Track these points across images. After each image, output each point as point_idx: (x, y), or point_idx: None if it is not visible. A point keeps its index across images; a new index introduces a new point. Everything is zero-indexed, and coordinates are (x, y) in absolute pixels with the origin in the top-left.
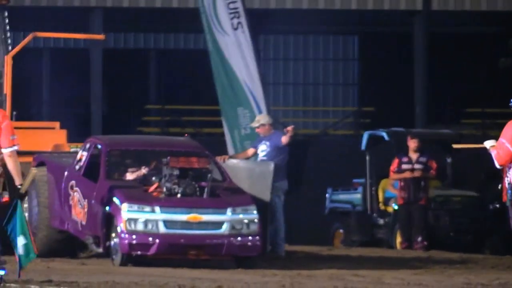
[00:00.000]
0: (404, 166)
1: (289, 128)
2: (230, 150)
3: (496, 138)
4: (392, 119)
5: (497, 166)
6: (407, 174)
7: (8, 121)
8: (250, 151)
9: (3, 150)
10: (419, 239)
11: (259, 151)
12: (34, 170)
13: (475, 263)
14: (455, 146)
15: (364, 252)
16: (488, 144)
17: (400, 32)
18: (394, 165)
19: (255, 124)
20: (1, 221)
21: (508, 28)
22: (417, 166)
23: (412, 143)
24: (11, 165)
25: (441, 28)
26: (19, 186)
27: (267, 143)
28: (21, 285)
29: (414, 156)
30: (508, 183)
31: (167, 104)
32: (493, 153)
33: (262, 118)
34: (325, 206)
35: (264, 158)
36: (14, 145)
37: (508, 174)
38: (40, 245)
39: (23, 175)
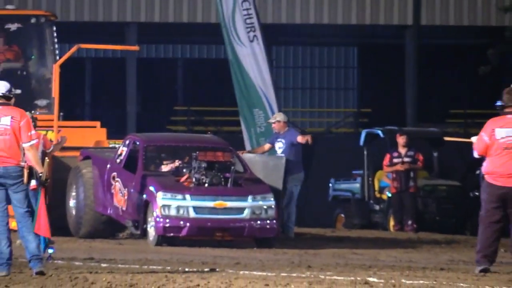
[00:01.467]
0: (395, 160)
1: (309, 139)
2: (247, 146)
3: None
4: (386, 119)
5: (475, 155)
6: (398, 167)
7: (27, 119)
8: (267, 146)
9: (24, 145)
10: (410, 222)
11: (276, 148)
12: (46, 159)
13: (458, 243)
14: (447, 138)
15: (362, 234)
16: (474, 139)
17: (394, 43)
18: (386, 160)
19: (272, 120)
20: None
21: (487, 40)
22: (406, 159)
23: (401, 139)
24: (31, 157)
25: (429, 40)
26: (40, 174)
27: (283, 140)
28: (67, 262)
29: (403, 150)
30: (480, 174)
31: (192, 106)
32: (474, 144)
33: (278, 116)
34: (328, 194)
35: (282, 154)
36: (31, 140)
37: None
38: (85, 227)
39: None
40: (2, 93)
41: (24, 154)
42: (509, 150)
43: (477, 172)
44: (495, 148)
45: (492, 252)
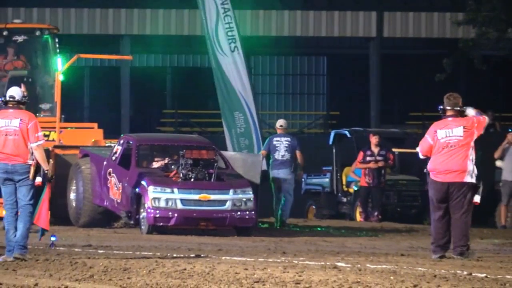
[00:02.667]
0: (368, 158)
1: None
2: (229, 145)
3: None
4: (353, 120)
5: (421, 156)
6: (372, 165)
7: (34, 121)
8: (263, 153)
9: (31, 145)
10: (376, 213)
11: (283, 141)
12: (52, 161)
13: (416, 231)
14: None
15: (331, 223)
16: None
17: (359, 53)
18: (360, 157)
19: (278, 125)
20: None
21: (442, 50)
22: (378, 158)
23: (374, 139)
24: (38, 156)
25: (390, 50)
26: (46, 171)
27: (289, 139)
28: (68, 249)
29: (375, 150)
30: (426, 171)
31: (179, 109)
32: (419, 147)
33: (283, 123)
34: (301, 188)
35: (287, 149)
36: (39, 140)
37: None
38: (84, 218)
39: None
40: (18, 100)
41: (31, 153)
42: (448, 149)
43: (424, 170)
44: (436, 148)
45: (444, 242)
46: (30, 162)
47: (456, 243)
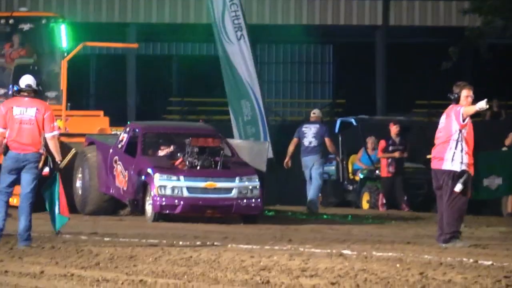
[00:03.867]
0: (391, 148)
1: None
2: (235, 133)
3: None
4: (359, 109)
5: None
6: (397, 154)
7: (50, 111)
8: (294, 140)
9: (46, 135)
10: (404, 204)
11: (311, 128)
12: (74, 150)
13: (423, 219)
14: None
15: (337, 211)
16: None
17: (365, 42)
18: (382, 146)
19: (313, 113)
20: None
21: (448, 39)
22: (400, 147)
23: (394, 128)
24: (52, 146)
25: (396, 39)
26: (59, 162)
27: (317, 126)
28: (74, 236)
29: (396, 139)
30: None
31: (185, 97)
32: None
33: (316, 111)
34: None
35: (314, 135)
36: (54, 130)
37: None
38: (90, 205)
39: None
40: (34, 88)
41: (44, 143)
42: (437, 135)
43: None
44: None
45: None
46: (41, 151)
47: (440, 230)
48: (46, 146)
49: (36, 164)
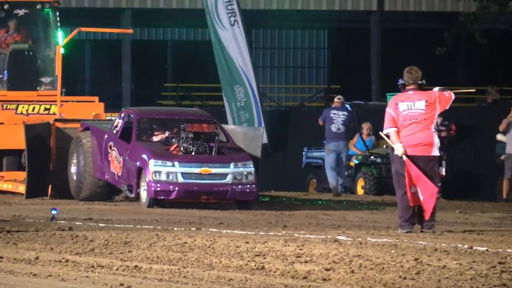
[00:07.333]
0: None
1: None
2: (229, 118)
3: None
4: (354, 94)
5: (384, 132)
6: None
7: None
8: (320, 123)
9: None
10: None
11: (340, 114)
12: None
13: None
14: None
15: (332, 197)
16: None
17: (360, 27)
18: None
19: (336, 98)
20: None
21: (443, 24)
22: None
23: None
24: None
25: (391, 24)
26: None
27: (346, 114)
28: (69, 222)
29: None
30: (389, 146)
31: (180, 83)
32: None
33: (342, 98)
34: (302, 161)
35: (343, 122)
36: None
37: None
38: (85, 191)
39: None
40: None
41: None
42: (413, 122)
43: (385, 146)
44: (401, 121)
45: (410, 216)
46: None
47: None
48: None
49: None
